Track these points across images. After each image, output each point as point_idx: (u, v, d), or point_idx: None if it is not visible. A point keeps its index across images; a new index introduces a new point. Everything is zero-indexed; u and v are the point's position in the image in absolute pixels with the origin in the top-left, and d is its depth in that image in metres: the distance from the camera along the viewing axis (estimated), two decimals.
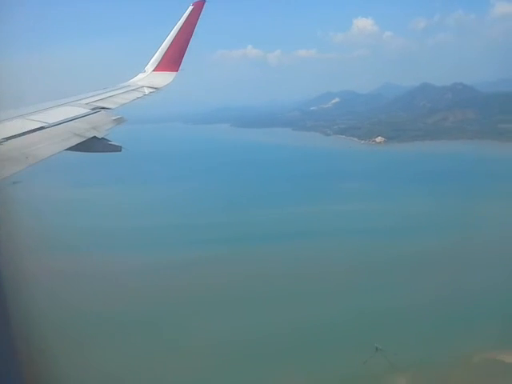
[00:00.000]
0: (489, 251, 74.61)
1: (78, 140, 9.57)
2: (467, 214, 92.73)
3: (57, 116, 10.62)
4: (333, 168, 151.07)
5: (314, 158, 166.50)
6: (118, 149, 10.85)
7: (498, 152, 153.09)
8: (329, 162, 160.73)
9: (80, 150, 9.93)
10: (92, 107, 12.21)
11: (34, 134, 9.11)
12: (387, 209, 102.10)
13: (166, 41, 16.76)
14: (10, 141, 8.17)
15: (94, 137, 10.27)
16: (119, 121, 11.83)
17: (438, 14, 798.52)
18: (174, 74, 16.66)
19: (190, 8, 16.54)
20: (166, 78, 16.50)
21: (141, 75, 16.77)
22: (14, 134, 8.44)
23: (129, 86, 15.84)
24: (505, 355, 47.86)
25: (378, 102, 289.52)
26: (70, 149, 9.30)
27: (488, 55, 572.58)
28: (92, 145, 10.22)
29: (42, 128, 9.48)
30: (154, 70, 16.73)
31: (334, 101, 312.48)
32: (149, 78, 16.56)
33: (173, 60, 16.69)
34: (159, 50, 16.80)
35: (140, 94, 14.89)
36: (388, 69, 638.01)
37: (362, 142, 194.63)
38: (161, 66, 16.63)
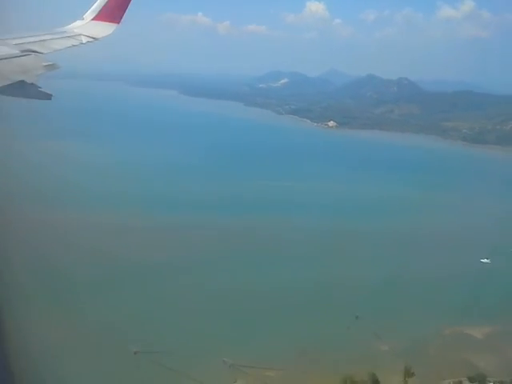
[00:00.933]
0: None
1: (2, 82, 8.79)
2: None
3: None
4: (290, 147, 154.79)
5: (274, 137, 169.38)
6: (48, 97, 10.33)
7: (443, 147, 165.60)
8: (287, 142, 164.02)
9: (5, 94, 9.25)
10: (22, 49, 11.22)
11: None
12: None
13: None
14: None
15: (22, 81, 9.48)
16: (51, 67, 10.92)
17: (388, 9, 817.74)
18: (115, 26, 15.44)
19: None
20: (105, 28, 15.23)
21: (78, 22, 15.34)
22: None
23: (65, 32, 14.54)
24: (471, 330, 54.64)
25: (326, 87, 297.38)
26: None
27: (430, 55, 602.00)
28: (19, 89, 9.50)
29: None
30: (93, 19, 15.38)
31: (282, 81, 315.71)
32: (87, 26, 15.23)
33: (114, 11, 15.39)
34: None
35: (76, 42, 13.84)
36: (335, 55, 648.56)
37: (315, 124, 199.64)
38: (101, 16, 15.25)
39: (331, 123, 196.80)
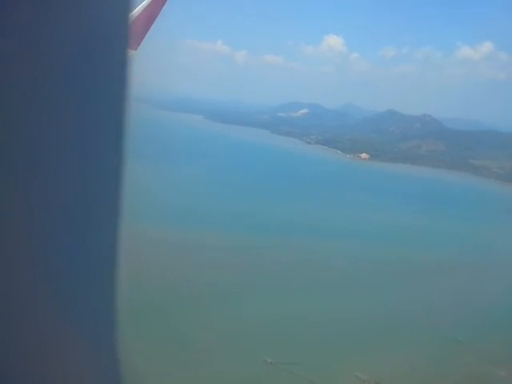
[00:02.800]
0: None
1: None
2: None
3: None
4: (329, 176, 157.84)
5: (310, 165, 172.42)
6: None
7: (478, 184, 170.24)
8: (324, 171, 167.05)
9: None
10: None
11: None
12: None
13: None
14: None
15: None
16: None
17: (407, 46, 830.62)
18: (132, 52, 15.90)
19: None
20: None
21: None
22: None
23: None
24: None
25: (346, 120, 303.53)
26: None
27: (449, 93, 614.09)
28: None
29: None
30: None
31: (302, 111, 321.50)
32: None
33: (133, 37, 16.17)
34: None
35: None
36: (352, 89, 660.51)
37: (348, 155, 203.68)
38: None
39: (364, 155, 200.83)
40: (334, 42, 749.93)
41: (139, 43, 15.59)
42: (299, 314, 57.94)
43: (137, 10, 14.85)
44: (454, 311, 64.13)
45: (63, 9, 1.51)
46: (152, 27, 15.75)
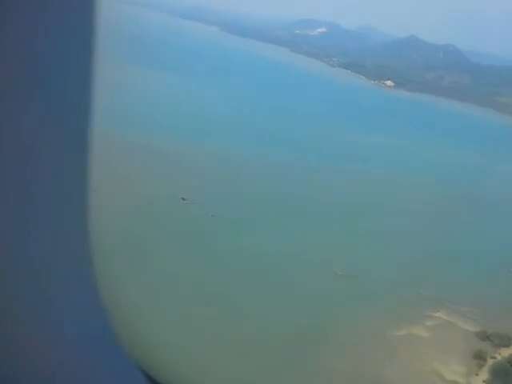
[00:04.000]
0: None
1: None
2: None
3: None
4: (357, 103, 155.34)
5: (338, 91, 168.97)
6: None
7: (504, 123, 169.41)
8: (352, 97, 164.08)
9: None
10: None
11: None
12: None
13: None
14: None
15: None
16: None
17: None
18: None
19: None
20: None
21: None
22: None
23: None
24: None
25: (365, 43, 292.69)
26: None
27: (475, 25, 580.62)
28: None
29: None
30: None
31: (319, 30, 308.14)
32: None
33: None
34: None
35: None
36: (370, 10, 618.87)
37: (372, 82, 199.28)
38: None
39: (389, 83, 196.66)
40: None
41: None
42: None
43: None
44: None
45: None
46: None
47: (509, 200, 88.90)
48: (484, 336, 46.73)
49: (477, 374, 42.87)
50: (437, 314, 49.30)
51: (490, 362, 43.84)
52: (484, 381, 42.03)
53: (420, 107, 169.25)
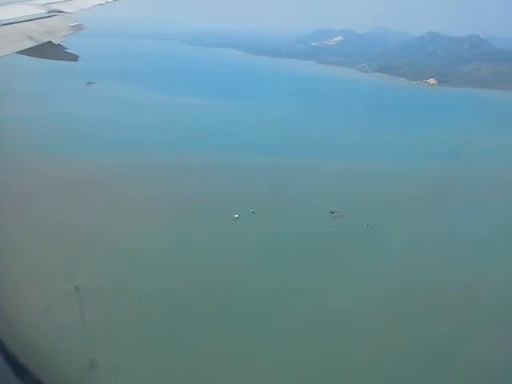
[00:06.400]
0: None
1: (30, 43, 8.70)
2: None
3: (8, 14, 9.49)
4: (409, 104, 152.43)
5: (385, 95, 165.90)
6: (74, 58, 10.21)
7: None
8: (403, 99, 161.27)
9: (32, 55, 9.26)
10: (49, 9, 11.01)
11: None
12: None
13: None
14: None
15: (49, 42, 9.44)
16: (78, 28, 10.88)
17: None
18: None
19: None
20: None
21: None
22: None
23: None
24: None
25: (384, 45, 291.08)
26: (22, 52, 8.47)
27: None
28: (46, 51, 9.50)
29: None
30: None
31: (336, 39, 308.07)
32: None
33: None
34: None
35: (102, 1, 13.68)
36: (376, 12, 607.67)
37: (415, 82, 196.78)
38: None
39: (432, 81, 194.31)
40: None
41: None
42: None
43: None
44: None
45: None
46: None
47: None
48: None
49: None
50: None
51: None
52: None
53: (477, 100, 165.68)
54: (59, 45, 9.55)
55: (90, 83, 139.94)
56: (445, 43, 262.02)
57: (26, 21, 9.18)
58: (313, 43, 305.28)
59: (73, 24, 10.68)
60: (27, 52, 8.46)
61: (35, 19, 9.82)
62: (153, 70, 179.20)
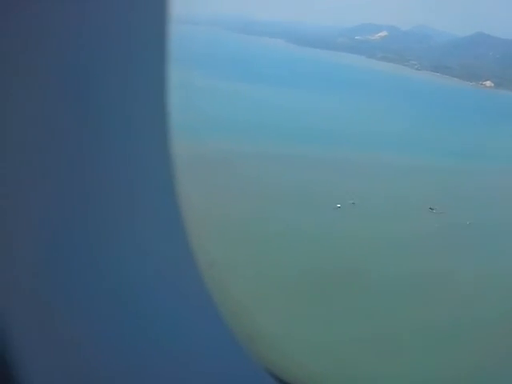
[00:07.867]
0: None
1: None
2: None
3: None
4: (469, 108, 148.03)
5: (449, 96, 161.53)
6: None
7: None
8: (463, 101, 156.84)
9: None
10: None
11: None
12: None
13: None
14: None
15: None
16: None
17: None
18: None
19: None
20: None
21: None
22: None
23: None
24: None
25: (430, 43, 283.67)
26: None
27: None
28: None
29: None
30: None
31: (381, 34, 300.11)
32: None
33: None
34: None
35: None
36: (416, 9, 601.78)
37: (470, 83, 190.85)
38: None
39: (488, 83, 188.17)
40: None
41: None
42: None
43: None
44: None
45: None
46: None
47: None
48: None
49: None
50: None
51: None
52: None
53: None
54: None
55: None
56: (497, 45, 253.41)
57: None
58: (356, 37, 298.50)
59: None
60: None
61: None
62: None
